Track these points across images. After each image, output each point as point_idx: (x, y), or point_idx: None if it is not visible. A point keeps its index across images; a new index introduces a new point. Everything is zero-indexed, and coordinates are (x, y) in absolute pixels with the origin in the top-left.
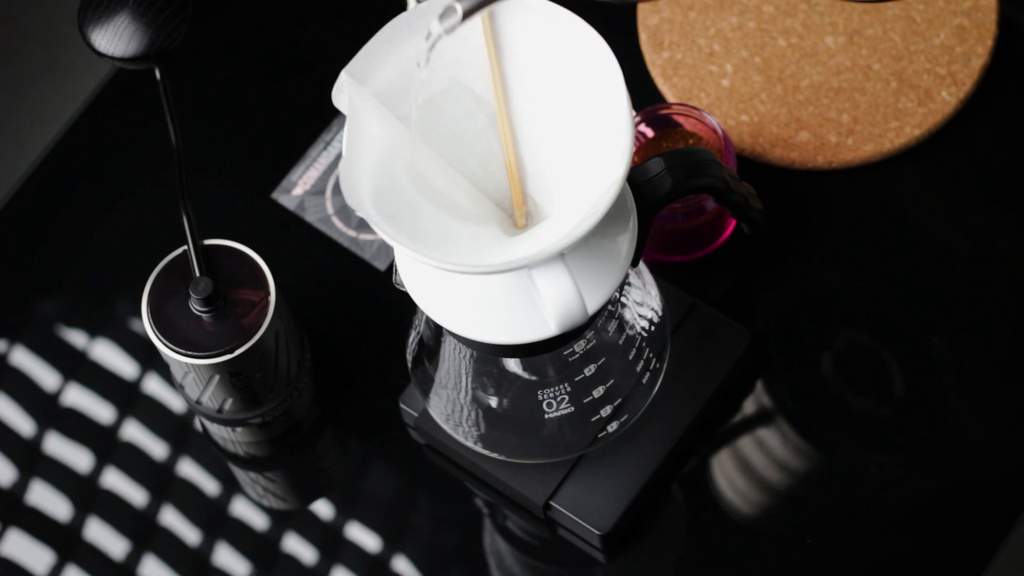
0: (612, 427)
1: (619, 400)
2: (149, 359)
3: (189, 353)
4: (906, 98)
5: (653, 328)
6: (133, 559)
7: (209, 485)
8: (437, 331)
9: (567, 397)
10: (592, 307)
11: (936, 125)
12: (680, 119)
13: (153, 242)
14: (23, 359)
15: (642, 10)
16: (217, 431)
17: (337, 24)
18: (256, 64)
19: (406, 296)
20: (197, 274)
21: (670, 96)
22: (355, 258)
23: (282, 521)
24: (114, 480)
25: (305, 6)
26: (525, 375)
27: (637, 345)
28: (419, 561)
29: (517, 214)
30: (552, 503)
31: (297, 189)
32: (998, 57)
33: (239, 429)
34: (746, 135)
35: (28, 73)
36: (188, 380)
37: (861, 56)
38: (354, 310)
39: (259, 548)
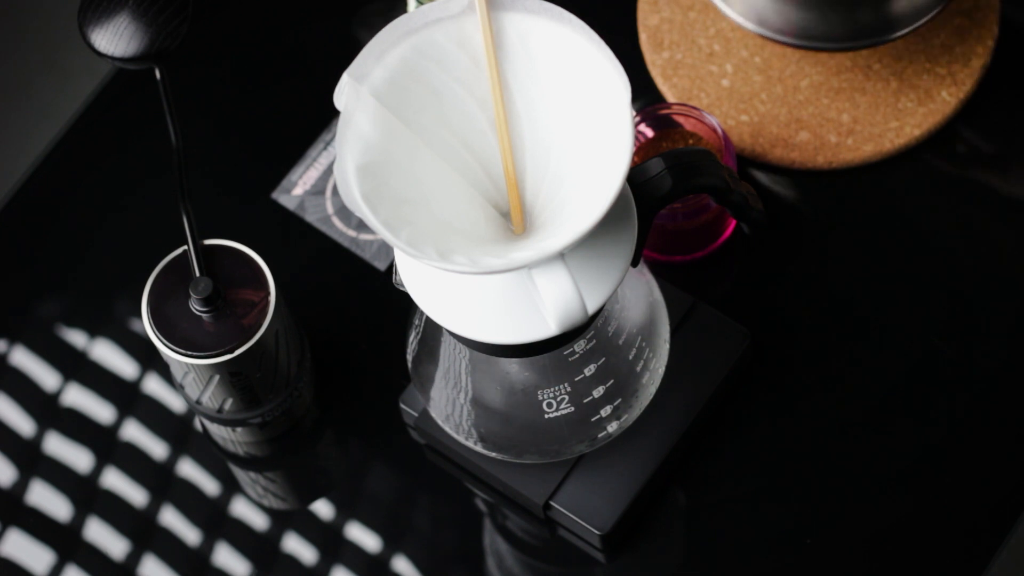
0: (612, 427)
1: (619, 400)
2: (149, 359)
3: (189, 353)
4: (906, 98)
5: (653, 328)
6: (133, 559)
7: (209, 485)
8: (437, 331)
9: (567, 397)
10: (592, 307)
11: (936, 125)
12: (680, 119)
13: (153, 242)
14: (23, 359)
15: (642, 10)
16: (217, 431)
17: (337, 24)
18: (256, 64)
19: (406, 296)
20: (197, 274)
21: (670, 96)
22: (355, 258)
23: (282, 521)
24: (114, 480)
25: (305, 6)
26: (525, 375)
27: (637, 345)
28: (419, 561)
29: (515, 218)
30: (552, 503)
31: (297, 189)
32: (998, 57)
33: (239, 429)
34: (746, 135)
35: (28, 73)
36: (188, 380)
37: (861, 56)
38: (354, 310)
39: (259, 548)
